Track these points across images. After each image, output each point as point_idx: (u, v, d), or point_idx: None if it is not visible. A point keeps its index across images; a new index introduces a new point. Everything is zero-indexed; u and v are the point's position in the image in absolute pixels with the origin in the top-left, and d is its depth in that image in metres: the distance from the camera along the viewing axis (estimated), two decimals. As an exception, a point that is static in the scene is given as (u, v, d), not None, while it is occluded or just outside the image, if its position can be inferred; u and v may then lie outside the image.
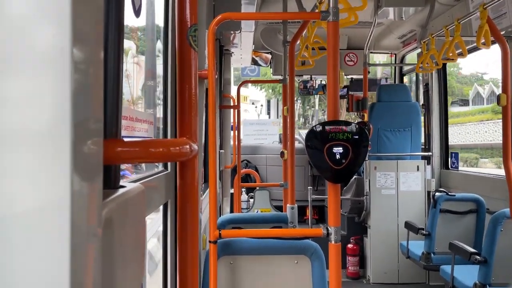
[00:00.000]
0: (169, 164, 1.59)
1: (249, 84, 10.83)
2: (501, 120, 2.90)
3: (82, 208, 0.48)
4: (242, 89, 4.64)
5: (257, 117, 26.00)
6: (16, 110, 0.45)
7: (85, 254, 0.49)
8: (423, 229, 3.76)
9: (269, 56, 5.97)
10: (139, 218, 0.76)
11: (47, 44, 0.45)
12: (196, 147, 0.97)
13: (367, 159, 4.44)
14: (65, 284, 0.45)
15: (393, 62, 5.86)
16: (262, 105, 28.13)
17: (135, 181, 1.19)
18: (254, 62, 6.20)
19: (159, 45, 1.78)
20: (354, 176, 4.92)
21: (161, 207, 1.56)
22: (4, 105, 0.45)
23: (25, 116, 0.45)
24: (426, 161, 4.74)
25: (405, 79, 6.02)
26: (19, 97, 0.45)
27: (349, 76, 5.99)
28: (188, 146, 0.92)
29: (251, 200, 5.46)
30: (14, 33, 0.44)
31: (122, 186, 0.74)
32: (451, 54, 3.59)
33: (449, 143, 4.86)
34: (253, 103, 28.38)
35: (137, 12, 1.43)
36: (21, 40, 0.45)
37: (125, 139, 0.76)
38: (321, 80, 6.21)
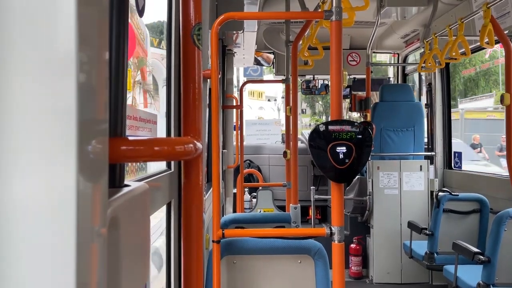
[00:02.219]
0: (172, 163, 1.59)
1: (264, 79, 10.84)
2: None
3: (88, 207, 0.48)
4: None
5: (277, 113, 24.43)
6: (22, 110, 0.45)
7: (90, 253, 0.49)
8: (426, 229, 3.75)
9: (272, 56, 5.97)
10: (143, 217, 0.76)
11: (53, 45, 0.45)
12: (200, 146, 0.97)
13: (370, 159, 4.43)
14: (71, 283, 0.45)
15: (396, 62, 5.85)
16: (282, 97, 26.35)
17: (139, 180, 1.18)
18: (257, 62, 6.20)
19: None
20: (357, 176, 4.91)
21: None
22: (10, 105, 0.45)
23: (31, 116, 0.45)
24: (429, 161, 4.73)
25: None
26: (25, 97, 0.45)
27: (352, 76, 5.98)
28: (192, 145, 0.92)
29: (254, 200, 5.46)
30: (20, 34, 0.44)
31: (127, 185, 0.74)
32: (454, 54, 3.58)
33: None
34: (269, 100, 26.57)
35: (140, 12, 1.43)
36: (28, 42, 0.45)
37: (130, 138, 0.75)
38: (323, 80, 6.20)
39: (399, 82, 5.79)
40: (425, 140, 5.08)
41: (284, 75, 3.58)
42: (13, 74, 0.45)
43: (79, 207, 0.45)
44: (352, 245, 4.78)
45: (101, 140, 0.53)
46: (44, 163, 0.45)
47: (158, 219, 1.87)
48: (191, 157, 0.97)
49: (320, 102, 22.98)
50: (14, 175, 0.45)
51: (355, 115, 7.50)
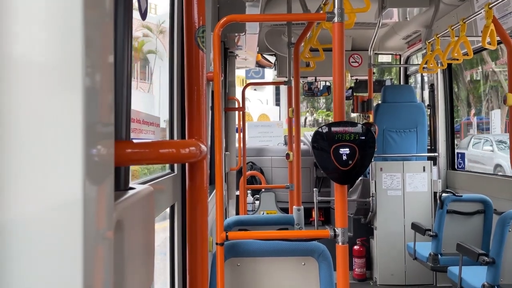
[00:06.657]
0: (175, 166, 1.59)
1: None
2: None
3: (94, 210, 0.48)
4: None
5: (266, 104, 21.86)
6: (29, 113, 0.45)
7: (97, 256, 0.49)
8: (430, 230, 3.74)
9: (273, 59, 5.97)
10: (148, 220, 0.76)
11: (59, 50, 0.45)
12: (205, 148, 0.97)
13: (372, 160, 4.42)
14: (78, 286, 0.45)
15: (398, 63, 5.85)
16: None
17: (143, 183, 1.19)
18: (259, 64, 6.20)
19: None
20: (360, 177, 4.90)
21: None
22: (17, 109, 0.45)
23: (37, 120, 0.45)
24: (432, 161, 4.72)
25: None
26: (31, 100, 0.45)
27: (354, 77, 5.98)
28: (197, 148, 0.92)
29: (257, 202, 5.45)
30: (28, 39, 0.45)
31: (132, 188, 0.74)
32: (456, 54, 3.58)
33: None
34: (255, 89, 23.79)
35: (143, 15, 1.44)
36: (35, 46, 0.45)
37: (134, 141, 0.75)
38: (325, 82, 6.20)
39: (401, 83, 5.79)
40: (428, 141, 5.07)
41: (286, 77, 3.58)
42: (19, 77, 0.45)
43: (86, 210, 0.45)
44: (356, 247, 4.77)
45: (107, 144, 0.53)
46: (51, 167, 0.45)
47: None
48: (196, 160, 0.97)
49: (323, 100, 22.61)
50: (20, 179, 0.45)
51: (352, 115, 7.50)
